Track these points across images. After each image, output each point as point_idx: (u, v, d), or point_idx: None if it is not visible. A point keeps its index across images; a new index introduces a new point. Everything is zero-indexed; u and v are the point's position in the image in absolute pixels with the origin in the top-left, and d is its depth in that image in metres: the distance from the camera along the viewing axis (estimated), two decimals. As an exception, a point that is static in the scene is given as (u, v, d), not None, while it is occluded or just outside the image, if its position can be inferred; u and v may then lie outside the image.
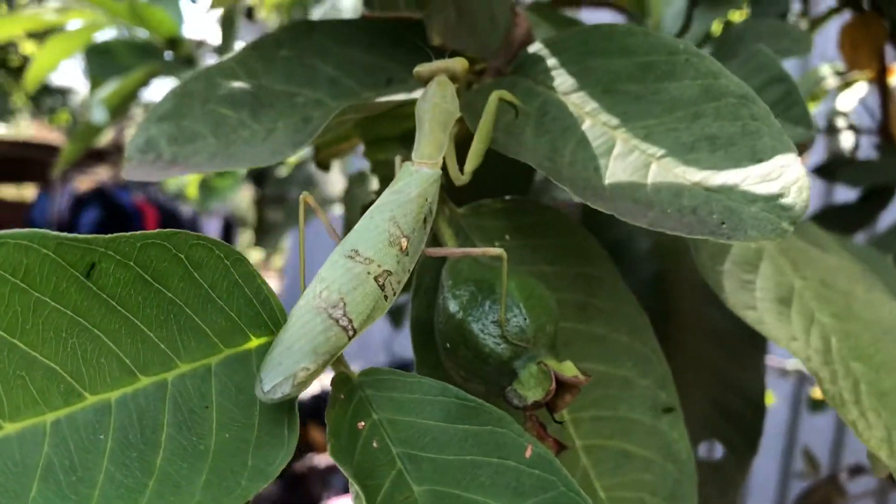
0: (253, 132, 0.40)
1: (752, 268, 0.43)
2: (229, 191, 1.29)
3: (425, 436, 0.29)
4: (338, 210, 1.02)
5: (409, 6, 0.45)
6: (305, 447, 1.80)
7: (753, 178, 0.32)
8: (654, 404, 0.39)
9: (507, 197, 0.38)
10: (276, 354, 0.27)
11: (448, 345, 0.31)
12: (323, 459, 1.76)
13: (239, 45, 1.03)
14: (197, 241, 0.26)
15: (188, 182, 1.32)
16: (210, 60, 1.07)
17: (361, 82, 0.41)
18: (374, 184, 0.53)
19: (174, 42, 1.04)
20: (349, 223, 0.71)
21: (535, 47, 0.41)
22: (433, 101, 0.34)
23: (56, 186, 3.81)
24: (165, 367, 0.26)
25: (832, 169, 1.10)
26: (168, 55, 1.04)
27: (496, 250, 0.31)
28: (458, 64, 0.35)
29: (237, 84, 0.41)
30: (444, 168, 0.34)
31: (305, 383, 0.27)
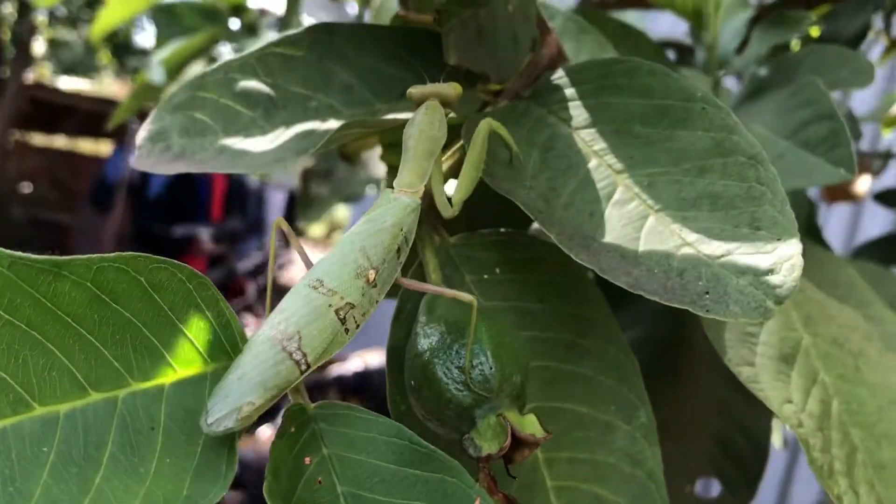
0: (263, 132, 0.40)
1: (758, 320, 0.42)
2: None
3: (374, 476, 0.28)
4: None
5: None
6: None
7: (746, 248, 0.31)
8: (633, 452, 0.38)
9: (502, 230, 0.37)
10: (225, 385, 0.27)
11: (413, 382, 0.31)
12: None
13: (306, 20, 1.03)
14: (158, 265, 0.26)
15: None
16: (272, 33, 1.07)
17: (376, 93, 0.41)
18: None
19: (238, 8, 1.04)
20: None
21: (557, 75, 0.40)
22: (420, 128, 0.33)
23: (131, 145, 3.91)
24: (117, 384, 0.26)
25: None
26: (232, 22, 1.04)
27: (467, 296, 0.30)
28: (451, 89, 0.35)
29: (254, 81, 0.41)
30: (431, 199, 0.33)
31: (250, 417, 0.27)
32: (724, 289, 0.30)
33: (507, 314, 0.36)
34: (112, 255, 0.25)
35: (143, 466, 0.25)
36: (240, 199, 3.99)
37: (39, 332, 0.25)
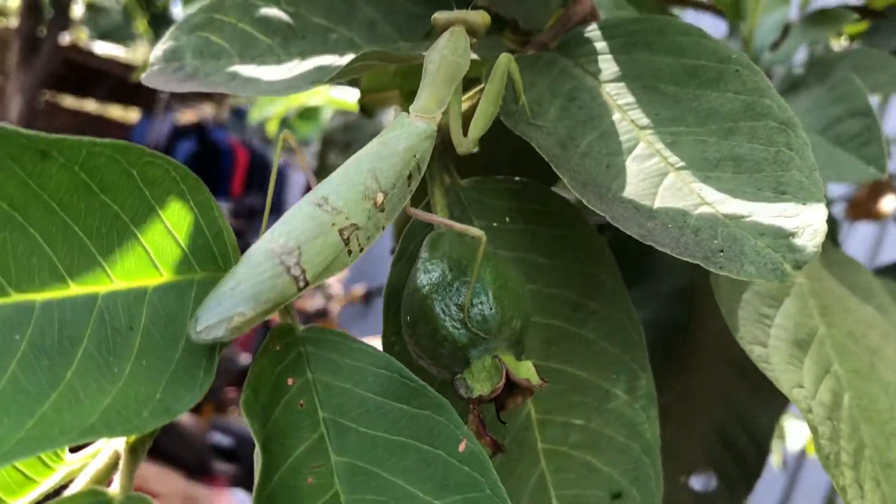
0: (278, 61, 0.38)
1: (775, 302, 0.40)
2: (307, 135, 1.28)
3: (358, 406, 0.27)
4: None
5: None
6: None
7: (769, 211, 0.29)
8: (631, 423, 0.37)
9: (517, 178, 0.36)
10: (218, 294, 0.26)
11: (409, 317, 0.30)
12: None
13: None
14: (152, 159, 0.25)
15: (271, 118, 1.32)
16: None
17: (400, 30, 0.39)
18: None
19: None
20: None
21: (588, 28, 0.38)
22: (442, 52, 0.32)
23: (159, 114, 3.92)
24: (99, 281, 0.25)
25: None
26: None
27: (476, 231, 0.29)
28: (479, 17, 0.33)
29: (275, 9, 0.40)
30: (443, 137, 0.32)
31: (240, 329, 0.25)
32: (741, 248, 0.28)
33: (514, 265, 0.35)
34: (105, 140, 0.24)
35: (118, 366, 0.24)
36: (261, 177, 3.98)
37: (22, 214, 0.24)
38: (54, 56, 3.90)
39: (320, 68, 0.37)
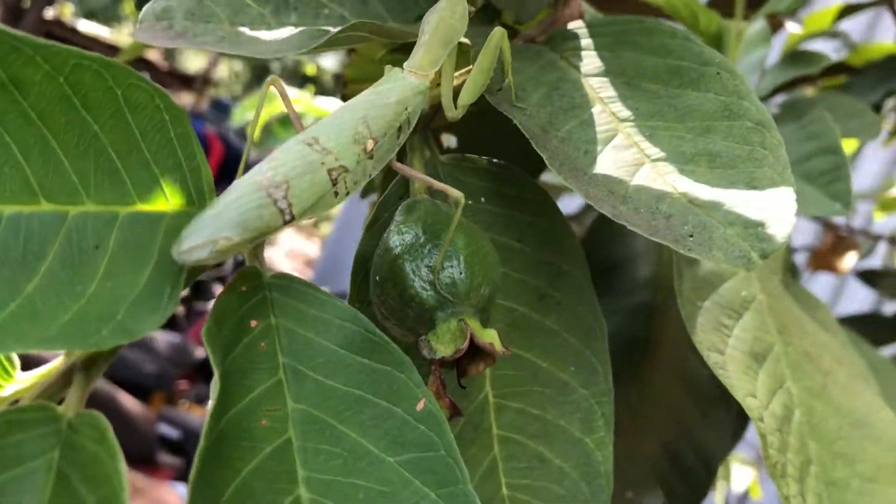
0: (269, 29, 0.39)
1: (734, 314, 0.41)
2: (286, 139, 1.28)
3: (319, 356, 0.27)
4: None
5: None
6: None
7: (739, 202, 0.30)
8: (586, 418, 0.37)
9: (495, 160, 0.36)
10: (203, 218, 0.26)
11: (378, 277, 0.30)
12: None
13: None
14: (138, 82, 0.25)
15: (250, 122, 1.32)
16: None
17: (391, 11, 0.40)
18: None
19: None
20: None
21: (575, 24, 0.39)
22: (441, 14, 0.32)
23: None
24: (71, 199, 0.25)
25: (877, 277, 1.07)
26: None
27: (455, 192, 0.29)
28: None
29: (269, -20, 0.40)
30: (432, 105, 0.32)
31: (224, 253, 0.25)
32: (710, 234, 0.29)
33: (485, 243, 0.35)
34: (94, 54, 0.24)
35: (82, 285, 0.24)
36: (234, 170, 3.95)
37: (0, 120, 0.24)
38: (37, 29, 3.84)
39: (310, 36, 0.38)
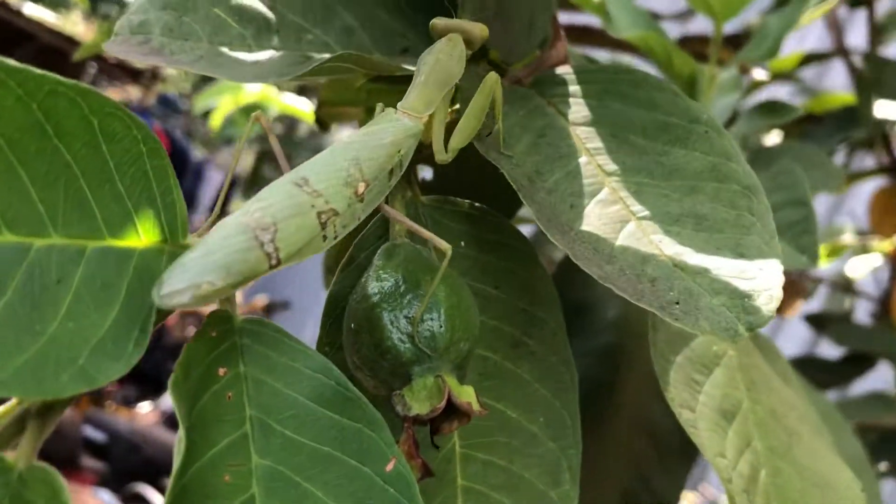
0: (249, 51, 0.37)
1: (705, 370, 0.40)
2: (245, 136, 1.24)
3: (288, 409, 0.26)
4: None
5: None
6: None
7: (726, 270, 0.29)
8: (552, 471, 0.36)
9: (477, 204, 0.35)
10: (186, 260, 0.24)
11: (353, 325, 0.28)
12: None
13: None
14: (114, 111, 0.23)
15: (215, 110, 1.28)
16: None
17: (377, 42, 0.39)
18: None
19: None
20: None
21: (563, 70, 0.39)
22: (438, 56, 0.31)
23: None
24: (36, 231, 0.23)
25: (823, 321, 1.08)
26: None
27: (445, 244, 0.28)
28: (477, 29, 0.33)
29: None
30: (429, 146, 0.31)
31: (207, 298, 0.24)
32: (696, 303, 0.28)
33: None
34: (70, 81, 0.23)
35: (41, 325, 0.22)
36: (177, 170, 3.90)
37: (-36, 145, 0.22)
38: (-22, 10, 3.73)
39: (292, 63, 0.36)
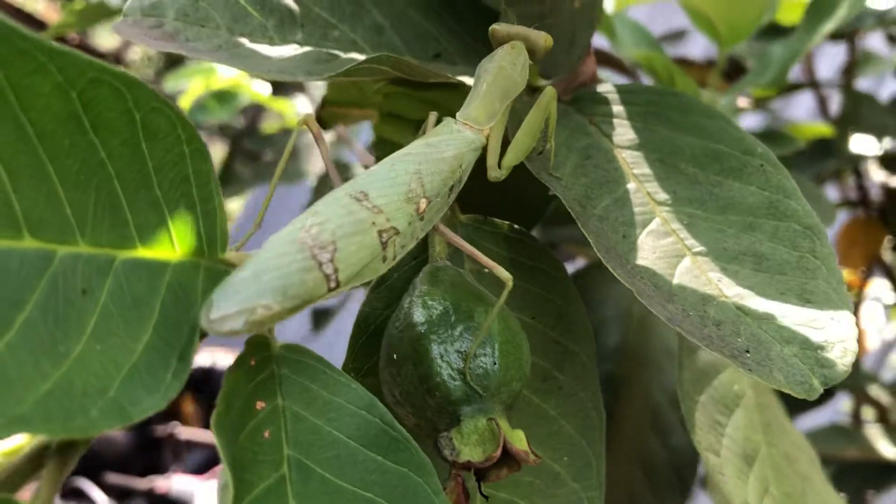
0: (271, 43, 0.34)
1: (727, 410, 0.39)
2: (221, 118, 1.18)
3: (329, 449, 0.23)
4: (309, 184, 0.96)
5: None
6: (171, 414, 1.68)
7: (795, 318, 0.27)
8: (574, 513, 0.34)
9: (516, 226, 0.33)
10: (237, 280, 0.21)
11: (395, 356, 0.26)
12: (185, 432, 1.64)
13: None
14: (162, 107, 0.21)
15: (185, 93, 1.22)
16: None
17: (408, 43, 0.36)
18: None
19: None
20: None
21: (604, 87, 0.36)
22: (500, 63, 0.29)
23: None
24: (62, 237, 0.20)
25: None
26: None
27: (506, 274, 0.25)
28: (542, 38, 0.30)
29: (276, -11, 0.36)
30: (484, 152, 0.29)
31: (261, 324, 0.21)
32: (767, 352, 0.26)
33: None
34: (118, 70, 0.19)
35: (66, 345, 0.19)
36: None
37: (-11, 134, 0.19)
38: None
39: (317, 59, 0.34)
